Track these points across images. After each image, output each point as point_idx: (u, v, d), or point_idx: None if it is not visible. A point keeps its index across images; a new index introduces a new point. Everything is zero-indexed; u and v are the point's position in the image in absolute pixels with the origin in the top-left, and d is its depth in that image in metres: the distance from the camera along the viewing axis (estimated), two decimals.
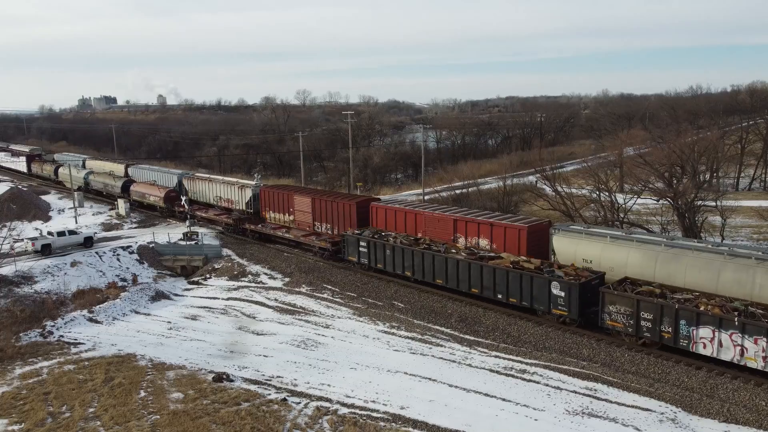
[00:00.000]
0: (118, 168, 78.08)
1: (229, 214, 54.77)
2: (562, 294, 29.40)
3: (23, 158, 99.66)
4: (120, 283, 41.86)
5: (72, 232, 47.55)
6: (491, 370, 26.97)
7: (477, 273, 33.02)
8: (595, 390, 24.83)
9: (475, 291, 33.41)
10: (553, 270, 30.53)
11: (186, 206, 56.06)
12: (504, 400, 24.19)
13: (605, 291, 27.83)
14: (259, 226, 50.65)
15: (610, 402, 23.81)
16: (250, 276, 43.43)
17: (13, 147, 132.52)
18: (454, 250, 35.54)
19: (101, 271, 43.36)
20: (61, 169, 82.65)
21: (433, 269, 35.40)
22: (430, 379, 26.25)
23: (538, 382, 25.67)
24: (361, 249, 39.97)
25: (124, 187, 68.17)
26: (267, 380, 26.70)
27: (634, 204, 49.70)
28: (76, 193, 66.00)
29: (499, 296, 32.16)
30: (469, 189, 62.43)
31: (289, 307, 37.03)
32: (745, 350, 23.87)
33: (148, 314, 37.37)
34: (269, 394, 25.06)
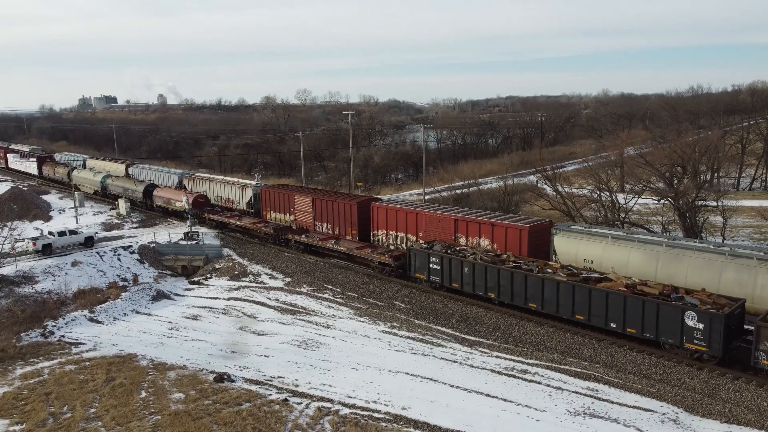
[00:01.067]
0: (134, 173, 75.77)
1: (266, 223, 50.57)
2: (700, 326, 24.91)
3: (34, 160, 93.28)
4: (121, 283, 41.83)
5: (73, 232, 47.55)
6: (492, 371, 26.94)
7: (584, 298, 28.37)
8: (597, 390, 24.80)
9: (580, 318, 28.86)
10: (681, 296, 26.30)
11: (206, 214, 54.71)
12: (505, 400, 24.16)
13: (761, 325, 23.57)
14: (303, 236, 45.85)
15: (612, 402, 23.78)
16: (251, 276, 43.41)
17: (21, 148, 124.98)
18: (550, 270, 30.73)
19: (102, 271, 43.35)
20: (75, 173, 78.10)
21: (525, 291, 30.78)
22: (431, 379, 26.22)
23: (539, 383, 25.64)
24: (432, 266, 35.34)
25: (146, 192, 63.78)
26: (268, 380, 26.68)
27: (634, 204, 49.72)
28: (76, 192, 65.95)
29: (613, 325, 27.72)
30: (470, 189, 62.43)
31: (290, 308, 37.00)
32: None
33: (149, 314, 37.35)
34: (270, 395, 25.04)
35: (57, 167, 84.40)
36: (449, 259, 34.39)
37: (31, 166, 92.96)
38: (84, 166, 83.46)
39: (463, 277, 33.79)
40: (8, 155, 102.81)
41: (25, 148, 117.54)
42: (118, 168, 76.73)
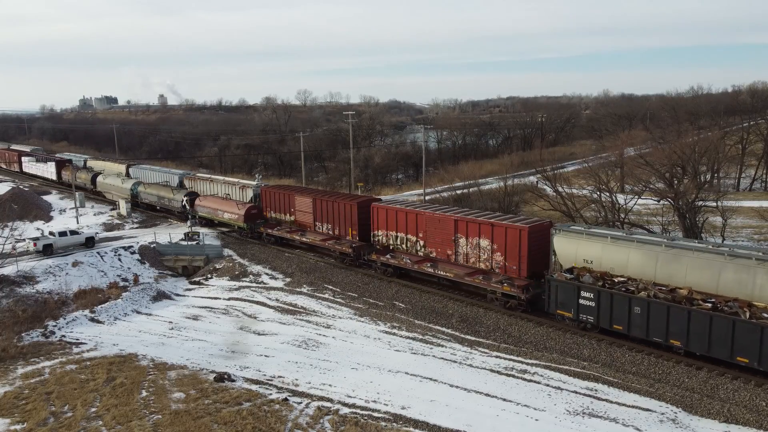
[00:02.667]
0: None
1: (339, 240, 43.89)
2: None
3: (52, 164, 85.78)
4: (121, 283, 41.93)
5: (73, 232, 47.67)
6: (492, 371, 27.02)
7: None
8: (596, 390, 24.87)
9: None
10: None
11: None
12: (505, 400, 24.24)
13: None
14: (389, 257, 39.49)
15: (611, 402, 23.86)
16: (251, 276, 43.49)
17: (35, 150, 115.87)
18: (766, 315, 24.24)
19: (103, 271, 43.44)
20: (100, 179, 72.48)
21: (732, 342, 24.40)
22: (431, 379, 26.30)
23: (538, 383, 25.71)
24: (582, 302, 29.20)
25: (190, 202, 57.15)
26: (268, 380, 26.77)
27: (634, 204, 49.74)
28: (77, 193, 66.03)
29: None
30: (470, 189, 62.46)
31: (291, 308, 37.08)
32: None
33: (150, 314, 37.44)
34: (270, 394, 25.12)
35: (78, 172, 77.37)
36: (609, 294, 28.09)
37: (48, 171, 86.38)
38: (85, 166, 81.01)
39: (630, 318, 27.45)
40: (23, 158, 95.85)
41: (23, 147, 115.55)
42: (150, 175, 70.01)
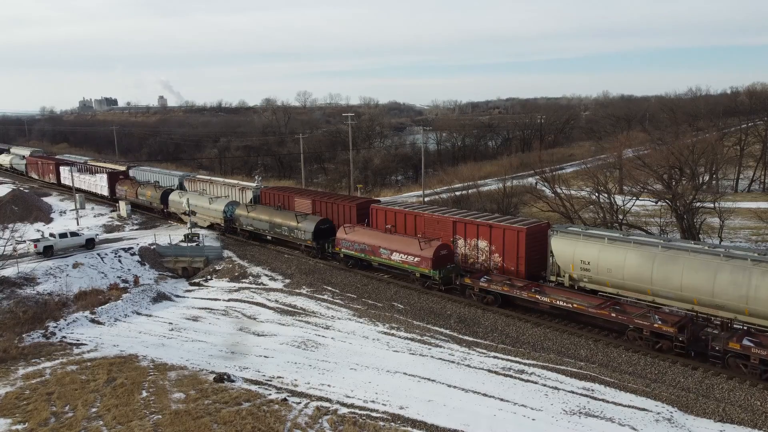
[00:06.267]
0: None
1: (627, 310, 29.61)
2: None
3: (104, 176, 70.66)
4: (122, 285, 42.11)
5: (74, 234, 47.82)
6: (490, 371, 27.20)
7: None
8: (593, 390, 25.06)
9: None
10: None
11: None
12: (502, 400, 24.43)
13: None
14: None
15: (607, 402, 24.04)
16: (250, 277, 43.67)
17: (38, 153, 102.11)
18: None
19: (103, 273, 43.63)
20: (175, 197, 57.78)
21: None
22: (429, 379, 26.48)
23: (536, 383, 25.90)
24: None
25: (320, 233, 43.30)
26: (268, 380, 26.96)
27: (633, 206, 49.93)
28: (77, 195, 66.16)
29: None
30: (469, 191, 62.64)
31: (290, 309, 37.27)
32: None
33: (150, 315, 37.63)
34: (270, 394, 25.32)
35: (140, 187, 63.89)
36: None
37: (98, 185, 71.43)
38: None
39: None
40: (60, 168, 78.91)
41: (40, 151, 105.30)
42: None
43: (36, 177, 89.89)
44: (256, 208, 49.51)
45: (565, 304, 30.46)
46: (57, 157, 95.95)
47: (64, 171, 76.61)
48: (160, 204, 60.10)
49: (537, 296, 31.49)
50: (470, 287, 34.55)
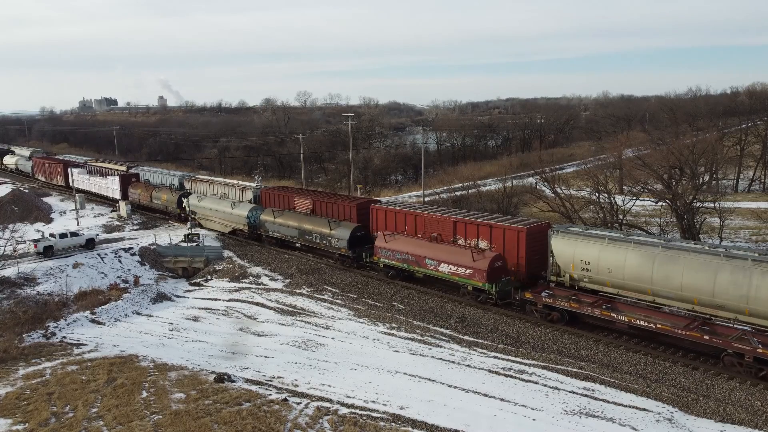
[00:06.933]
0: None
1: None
2: None
3: (116, 179, 67.42)
4: (122, 285, 42.11)
5: (74, 234, 47.82)
6: (490, 371, 27.20)
7: None
8: (593, 390, 25.05)
9: None
10: None
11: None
12: (502, 400, 24.42)
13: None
14: None
15: (608, 402, 24.04)
16: (251, 277, 43.67)
17: (38, 153, 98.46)
18: None
19: (103, 273, 43.63)
20: (193, 200, 54.49)
21: None
22: (429, 379, 26.48)
23: (536, 383, 25.89)
24: None
25: (359, 240, 40.26)
26: (268, 381, 26.96)
27: (633, 206, 49.92)
28: (77, 195, 66.09)
29: None
30: (470, 191, 62.63)
31: (290, 309, 37.26)
32: None
33: (150, 315, 37.63)
34: (270, 395, 25.31)
35: (155, 191, 61.17)
36: None
37: (110, 188, 68.53)
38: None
39: None
40: (69, 170, 72.88)
41: (40, 152, 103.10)
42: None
43: (43, 179, 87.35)
44: (284, 214, 46.43)
45: (646, 324, 27.31)
46: (65, 158, 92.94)
47: (74, 173, 71.42)
48: (176, 208, 58.07)
49: (612, 314, 28.09)
50: (532, 302, 31.62)
